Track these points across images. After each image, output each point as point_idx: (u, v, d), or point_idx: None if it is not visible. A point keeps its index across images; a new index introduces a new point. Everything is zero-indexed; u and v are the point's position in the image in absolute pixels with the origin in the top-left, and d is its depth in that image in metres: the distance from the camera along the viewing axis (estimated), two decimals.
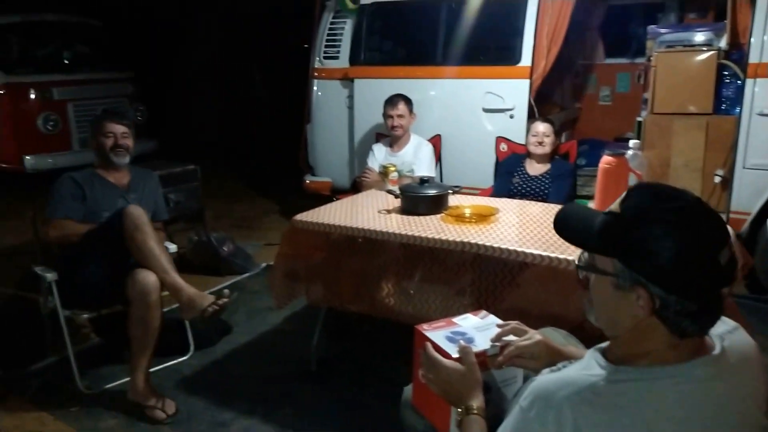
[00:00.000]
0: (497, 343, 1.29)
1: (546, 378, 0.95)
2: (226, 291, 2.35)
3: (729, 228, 1.03)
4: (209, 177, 5.01)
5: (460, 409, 1.14)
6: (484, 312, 1.50)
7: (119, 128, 2.61)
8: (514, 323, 1.32)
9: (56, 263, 2.48)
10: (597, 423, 0.86)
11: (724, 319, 0.97)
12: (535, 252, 1.93)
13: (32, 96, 5.73)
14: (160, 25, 9.32)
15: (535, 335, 1.26)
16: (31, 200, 4.88)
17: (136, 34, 8.57)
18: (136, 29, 8.77)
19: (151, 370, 2.40)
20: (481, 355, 1.29)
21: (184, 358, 2.74)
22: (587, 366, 0.94)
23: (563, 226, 1.02)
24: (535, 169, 3.26)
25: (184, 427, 2.26)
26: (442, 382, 1.18)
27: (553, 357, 1.23)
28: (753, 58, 3.04)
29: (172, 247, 2.72)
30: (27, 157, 5.59)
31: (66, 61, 6.27)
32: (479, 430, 1.08)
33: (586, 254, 1.00)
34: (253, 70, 9.55)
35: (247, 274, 3.84)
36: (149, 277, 2.28)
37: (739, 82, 3.16)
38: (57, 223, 2.46)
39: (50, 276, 2.37)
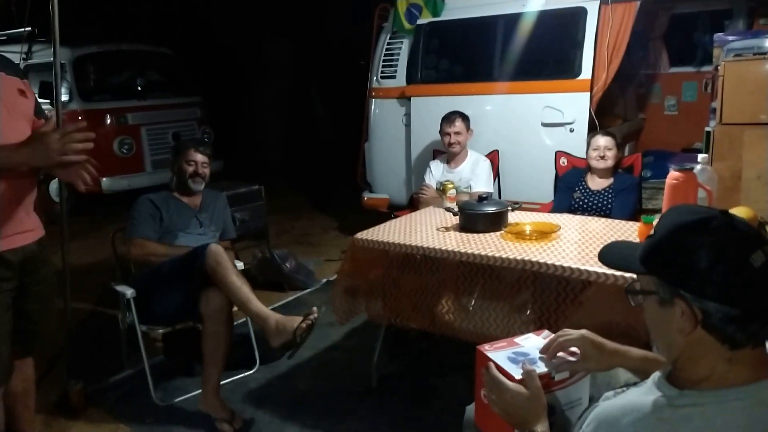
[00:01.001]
0: (554, 361, 1.28)
1: (609, 404, 0.94)
2: (314, 308, 2.36)
3: None
4: (271, 194, 5.17)
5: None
6: (546, 332, 1.49)
7: (201, 157, 2.77)
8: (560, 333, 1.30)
9: (134, 280, 2.64)
10: None
11: None
12: (599, 270, 1.90)
13: (108, 121, 6.10)
14: (226, 51, 9.75)
15: (577, 332, 1.25)
16: (108, 220, 5.24)
17: (204, 60, 9.00)
18: (204, 55, 9.21)
19: (219, 386, 2.48)
20: (545, 377, 1.28)
21: (251, 372, 2.83)
22: (651, 391, 0.93)
23: (606, 255, 1.09)
24: (597, 183, 3.19)
25: None
26: (506, 405, 1.17)
27: (603, 354, 1.23)
28: None
29: (240, 265, 2.83)
30: (104, 179, 5.93)
31: (139, 88, 6.65)
32: None
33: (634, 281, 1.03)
34: (312, 89, 9.80)
35: (308, 290, 3.94)
36: (221, 296, 2.38)
37: None
38: (138, 242, 2.62)
39: (129, 293, 2.52)
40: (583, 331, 1.26)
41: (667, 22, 4.73)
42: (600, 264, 1.11)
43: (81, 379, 2.60)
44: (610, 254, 1.11)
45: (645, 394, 0.93)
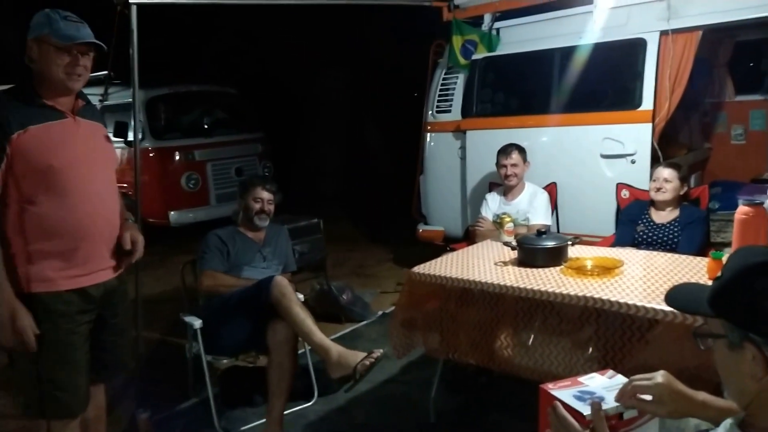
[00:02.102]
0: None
1: None
2: (380, 350, 2.39)
3: None
4: (328, 225, 5.29)
5: None
6: (611, 371, 1.45)
7: (267, 195, 2.90)
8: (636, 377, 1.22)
9: (201, 311, 2.76)
10: None
11: None
12: (666, 309, 1.84)
13: (177, 158, 6.44)
14: (284, 86, 10.15)
15: (657, 376, 1.17)
16: (175, 251, 5.47)
17: (264, 96, 9.39)
18: (264, 91, 9.61)
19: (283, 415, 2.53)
20: (612, 419, 1.25)
21: (309, 404, 2.87)
22: None
23: (674, 297, 1.08)
24: (661, 216, 3.10)
25: None
26: None
27: (681, 402, 1.16)
28: None
29: (300, 297, 2.90)
30: (172, 212, 6.23)
31: (206, 126, 7.00)
32: None
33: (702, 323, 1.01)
34: (367, 121, 10.03)
35: (365, 322, 3.97)
36: (287, 327, 2.45)
37: None
38: (209, 273, 2.75)
39: (197, 323, 2.62)
40: (661, 377, 1.17)
41: (732, 50, 4.60)
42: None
43: (149, 408, 2.70)
44: (677, 296, 1.10)
45: None
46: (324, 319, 3.92)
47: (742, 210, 1.96)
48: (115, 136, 5.72)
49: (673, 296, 1.11)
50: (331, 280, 4.17)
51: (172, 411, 2.88)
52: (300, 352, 2.96)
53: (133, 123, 3.01)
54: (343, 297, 3.96)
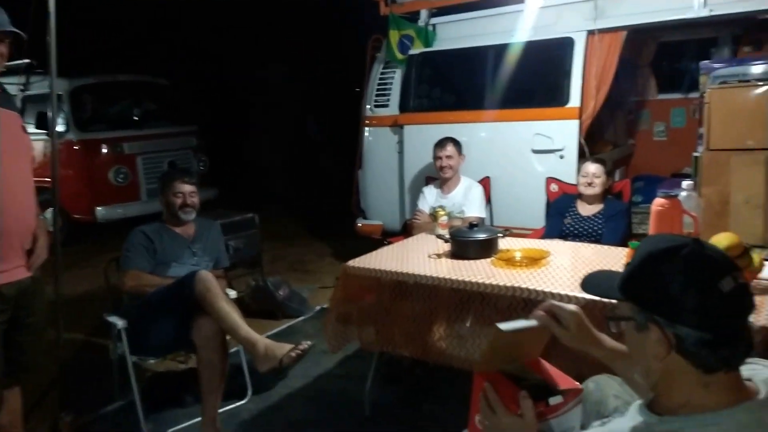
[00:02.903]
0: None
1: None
2: (308, 342, 2.36)
3: None
4: (267, 221, 5.18)
5: None
6: (542, 360, 1.50)
7: (188, 188, 2.79)
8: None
9: (126, 311, 2.64)
10: None
11: (767, 363, 1.00)
12: (587, 297, 1.91)
13: (104, 151, 6.15)
14: (223, 80, 9.90)
15: (572, 307, 1.31)
16: (101, 249, 5.23)
17: (201, 89, 9.12)
18: (201, 84, 9.34)
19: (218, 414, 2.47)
20: (541, 405, 1.28)
21: (243, 402, 2.81)
22: (632, 418, 0.95)
23: (588, 283, 1.15)
24: (587, 209, 3.23)
25: None
26: (498, 430, 1.17)
27: (584, 334, 1.29)
28: None
29: (232, 293, 2.83)
30: (98, 208, 5.96)
31: (136, 118, 6.72)
32: None
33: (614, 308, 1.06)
34: (309, 117, 9.93)
35: (302, 318, 3.93)
36: (213, 323, 2.38)
37: None
38: (132, 274, 2.63)
39: (121, 323, 2.51)
40: (576, 308, 1.30)
41: (655, 50, 4.83)
42: None
43: (72, 411, 2.58)
44: (591, 283, 1.16)
45: (627, 421, 0.95)
46: (260, 316, 3.86)
47: (657, 202, 2.05)
48: (36, 127, 5.41)
49: (588, 283, 1.16)
50: (268, 276, 4.10)
51: (96, 414, 2.76)
52: (233, 350, 2.91)
53: (50, 113, 2.83)
54: (279, 293, 3.91)
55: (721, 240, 1.85)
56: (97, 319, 2.98)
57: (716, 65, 3.51)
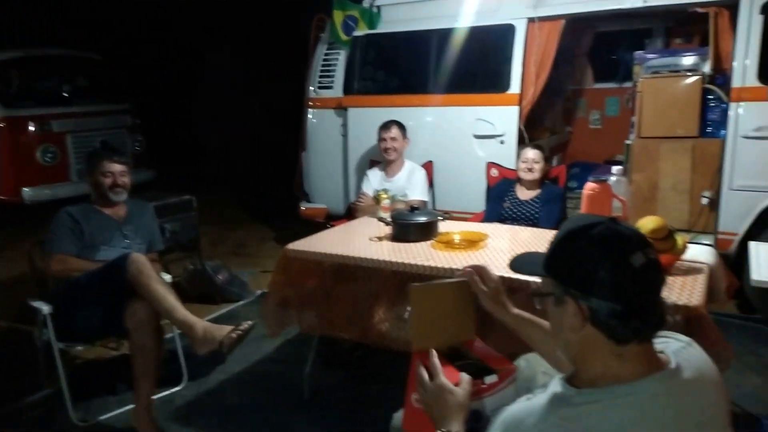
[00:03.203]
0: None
1: (515, 407, 0.98)
2: (248, 322, 2.31)
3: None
4: (208, 205, 5.04)
5: (440, 431, 1.16)
6: (478, 340, 1.53)
7: (117, 167, 2.66)
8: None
9: (52, 296, 2.51)
10: None
11: (678, 336, 1.06)
12: (521, 277, 1.95)
13: (31, 128, 5.81)
14: (163, 58, 9.51)
15: (497, 277, 1.51)
16: (28, 232, 4.96)
17: (137, 67, 8.73)
18: (137, 61, 8.93)
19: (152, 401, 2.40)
20: (476, 384, 1.31)
21: (178, 388, 2.74)
22: (553, 393, 0.97)
23: (516, 263, 1.22)
24: (525, 194, 3.30)
25: None
26: (434, 398, 1.20)
27: (498, 296, 1.48)
28: (736, 82, 3.11)
29: (167, 277, 2.74)
30: (25, 189, 5.64)
31: (66, 94, 6.37)
32: None
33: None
34: (253, 99, 9.70)
35: (242, 302, 3.86)
36: (147, 307, 2.30)
37: (723, 105, 3.22)
38: (59, 257, 2.50)
39: (46, 309, 2.39)
40: (498, 279, 1.50)
41: (592, 40, 4.97)
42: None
43: None
44: (519, 262, 1.21)
45: (547, 395, 0.98)
46: (198, 301, 3.77)
47: (589, 186, 2.13)
48: None
49: (515, 262, 1.22)
50: (207, 260, 4.00)
51: (22, 403, 2.64)
52: (168, 336, 2.83)
53: None
54: (218, 277, 3.82)
55: (648, 222, 1.94)
56: (23, 305, 2.84)
57: (649, 56, 3.64)
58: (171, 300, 2.31)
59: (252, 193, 7.66)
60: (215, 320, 3.51)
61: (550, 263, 1.02)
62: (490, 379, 1.35)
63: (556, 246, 1.02)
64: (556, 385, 0.98)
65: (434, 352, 1.27)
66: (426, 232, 2.55)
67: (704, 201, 3.27)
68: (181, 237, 3.82)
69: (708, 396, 0.98)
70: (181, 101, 9.65)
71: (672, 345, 1.02)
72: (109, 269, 2.36)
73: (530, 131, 3.88)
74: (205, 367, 2.89)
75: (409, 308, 2.36)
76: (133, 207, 2.77)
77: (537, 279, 1.10)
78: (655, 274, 0.96)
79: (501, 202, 3.34)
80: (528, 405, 0.97)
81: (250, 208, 6.90)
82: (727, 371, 1.68)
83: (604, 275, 0.93)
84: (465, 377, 1.22)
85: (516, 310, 1.48)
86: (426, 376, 1.23)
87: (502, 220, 3.22)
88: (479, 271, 1.51)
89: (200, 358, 2.79)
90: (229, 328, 2.25)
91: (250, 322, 2.30)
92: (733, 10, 3.14)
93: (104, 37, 8.43)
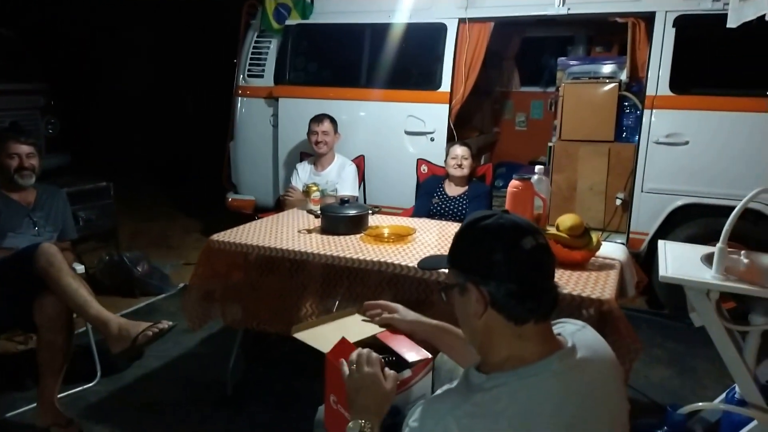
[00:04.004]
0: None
1: (432, 397, 1.01)
2: (168, 322, 2.22)
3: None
4: (128, 194, 4.80)
5: (361, 422, 1.15)
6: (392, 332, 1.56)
7: (24, 149, 2.49)
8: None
9: None
10: (481, 430, 0.92)
11: (573, 321, 1.15)
12: (446, 271, 1.99)
13: None
14: (80, 36, 8.95)
15: (403, 315, 1.59)
16: None
17: (53, 45, 8.16)
18: (53, 40, 8.35)
19: (57, 397, 2.28)
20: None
21: (90, 384, 2.61)
22: (464, 380, 1.02)
23: (425, 261, 1.37)
24: (453, 190, 3.37)
25: None
26: (361, 385, 1.19)
27: (407, 317, 1.58)
28: (650, 90, 3.31)
29: (80, 268, 2.60)
30: None
31: None
32: None
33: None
34: (180, 85, 9.32)
35: (163, 295, 3.71)
36: (57, 301, 2.17)
37: (638, 112, 3.42)
38: None
39: None
40: (397, 315, 1.59)
41: (519, 44, 5.14)
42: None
43: None
44: (426, 261, 1.35)
45: (460, 383, 1.02)
46: (115, 293, 3.60)
47: (513, 184, 2.20)
48: None
49: (423, 261, 1.37)
50: (126, 251, 3.81)
51: None
52: (81, 330, 2.68)
53: None
54: (137, 268, 3.65)
55: (566, 220, 2.03)
56: None
57: (571, 62, 3.82)
58: (83, 295, 2.18)
59: (176, 182, 7.38)
60: (134, 313, 3.38)
61: (453, 256, 1.09)
62: (404, 374, 1.36)
63: (457, 239, 1.09)
64: (467, 374, 1.03)
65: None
66: (355, 225, 2.55)
67: (618, 202, 3.47)
68: (97, 226, 3.63)
69: (603, 372, 1.05)
70: (101, 83, 9.13)
71: (568, 327, 1.11)
72: (17, 259, 2.20)
73: (459, 130, 3.97)
74: (121, 362, 2.75)
75: (337, 302, 2.39)
76: (43, 192, 2.60)
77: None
78: (545, 257, 1.04)
79: (430, 198, 3.39)
80: (443, 394, 1.01)
81: (174, 198, 6.64)
82: (636, 363, 1.80)
83: (498, 258, 1.00)
84: (391, 373, 1.23)
85: (429, 321, 1.56)
86: (363, 360, 1.23)
87: (431, 215, 3.27)
88: (381, 306, 1.62)
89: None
90: (145, 324, 2.16)
91: (170, 323, 2.22)
92: (650, 21, 3.33)
93: (17, 13, 7.83)
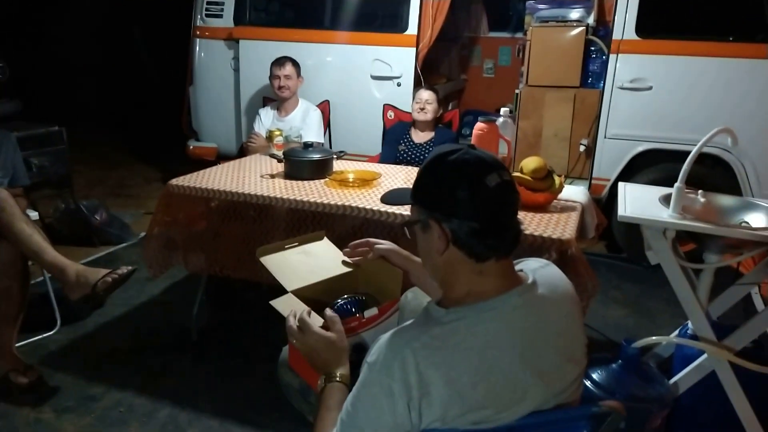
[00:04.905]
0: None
1: (389, 333, 1.01)
2: (127, 267, 2.16)
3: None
4: (85, 142, 4.60)
5: (323, 377, 1.16)
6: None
7: None
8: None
9: None
10: (437, 363, 0.93)
11: (537, 259, 1.15)
12: (405, 213, 1.98)
13: None
14: None
15: (388, 244, 1.51)
16: None
17: None
18: None
19: (15, 345, 2.23)
20: (355, 320, 1.32)
21: (50, 333, 2.56)
22: (424, 315, 1.02)
23: (388, 196, 1.35)
24: (420, 137, 3.34)
25: (51, 403, 2.12)
26: (309, 349, 1.19)
27: (400, 254, 1.50)
28: (616, 35, 3.28)
29: (34, 215, 2.51)
30: None
31: None
32: (341, 397, 1.09)
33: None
34: (135, 27, 8.84)
35: (123, 245, 3.63)
36: (11, 247, 2.09)
37: (604, 57, 3.41)
38: None
39: None
40: (393, 246, 1.50)
41: None
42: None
43: None
44: (389, 196, 1.26)
45: (419, 318, 1.03)
46: (74, 243, 3.50)
47: (478, 126, 2.19)
48: None
49: (386, 196, 1.25)
50: (82, 200, 3.69)
51: None
52: (39, 279, 2.61)
53: None
54: (95, 217, 3.55)
55: (530, 163, 2.03)
56: None
57: (540, 6, 3.74)
58: (38, 240, 2.11)
59: (134, 129, 7.13)
60: (94, 263, 3.30)
61: (416, 191, 1.06)
62: (370, 312, 1.37)
63: (420, 175, 1.05)
64: (427, 308, 1.02)
65: (296, 312, 1.24)
66: (320, 169, 2.51)
67: (582, 148, 3.49)
68: (50, 172, 3.48)
69: (563, 307, 1.07)
70: (54, 26, 8.61)
71: (531, 264, 1.11)
72: None
73: (427, 76, 3.89)
74: (82, 311, 2.70)
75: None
76: None
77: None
78: (509, 194, 1.02)
79: (396, 145, 3.36)
80: (402, 330, 1.00)
81: (132, 145, 6.43)
82: (594, 303, 1.85)
83: (461, 195, 0.97)
84: (331, 317, 1.21)
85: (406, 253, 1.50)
86: (301, 324, 1.21)
87: (398, 162, 3.24)
88: (369, 243, 1.51)
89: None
90: (105, 271, 2.11)
91: (129, 267, 2.16)
92: None
93: None
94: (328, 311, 1.24)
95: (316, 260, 1.57)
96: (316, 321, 1.24)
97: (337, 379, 1.14)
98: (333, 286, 1.51)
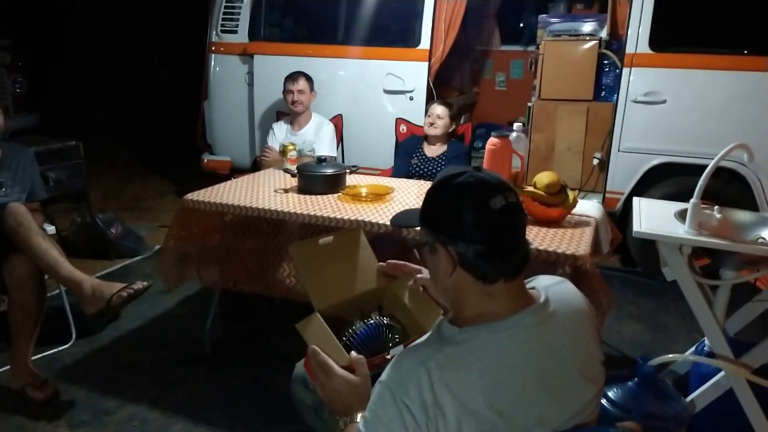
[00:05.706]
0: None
1: (404, 351, 1.00)
2: (143, 282, 2.19)
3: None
4: (101, 156, 4.67)
5: (345, 418, 1.12)
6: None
7: None
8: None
9: None
10: (452, 383, 0.92)
11: (552, 276, 1.14)
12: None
13: None
14: None
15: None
16: None
17: (15, 1, 7.79)
18: None
19: (31, 359, 2.26)
20: (380, 358, 1.28)
21: (65, 346, 2.59)
22: (437, 334, 1.02)
23: (397, 217, 1.32)
24: (432, 150, 3.35)
25: (66, 417, 2.14)
26: (332, 392, 1.14)
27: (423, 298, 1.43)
28: (629, 48, 3.28)
29: (50, 229, 2.55)
30: None
31: None
32: None
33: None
34: (150, 43, 8.99)
35: (138, 258, 3.67)
36: (28, 262, 2.13)
37: (617, 70, 3.40)
38: None
39: None
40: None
41: (500, 1, 5.05)
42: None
43: None
44: (398, 217, 1.30)
45: (432, 336, 1.03)
46: (90, 256, 3.55)
47: (491, 141, 2.19)
48: None
49: (396, 218, 1.31)
50: (98, 213, 3.74)
51: None
52: (55, 292, 2.64)
53: None
54: (111, 230, 3.59)
55: (543, 177, 2.03)
56: None
57: (552, 20, 3.76)
58: (54, 255, 2.14)
59: (150, 143, 7.22)
60: (109, 276, 3.34)
61: (423, 214, 1.06)
62: (396, 350, 1.33)
63: (427, 197, 1.06)
64: (440, 327, 1.02)
65: (317, 351, 1.18)
66: (333, 184, 2.52)
67: (595, 162, 3.48)
68: (67, 186, 3.53)
69: (577, 324, 1.06)
70: (71, 41, 8.78)
71: (543, 281, 1.10)
72: None
73: (439, 89, 3.91)
74: (96, 324, 2.73)
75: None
76: (9, 151, 2.50)
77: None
78: (515, 216, 1.01)
79: (409, 159, 3.37)
80: (415, 349, 1.00)
81: (148, 160, 6.51)
82: (609, 319, 1.83)
83: (466, 218, 0.97)
84: (358, 358, 1.16)
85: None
86: (323, 367, 1.15)
87: (410, 176, 3.25)
88: (405, 267, 1.45)
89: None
90: (120, 285, 2.13)
91: (145, 283, 2.19)
92: None
93: None
94: (354, 354, 1.19)
95: (347, 265, 1.51)
96: (339, 355, 1.20)
97: (357, 420, 1.08)
98: (360, 300, 1.49)
